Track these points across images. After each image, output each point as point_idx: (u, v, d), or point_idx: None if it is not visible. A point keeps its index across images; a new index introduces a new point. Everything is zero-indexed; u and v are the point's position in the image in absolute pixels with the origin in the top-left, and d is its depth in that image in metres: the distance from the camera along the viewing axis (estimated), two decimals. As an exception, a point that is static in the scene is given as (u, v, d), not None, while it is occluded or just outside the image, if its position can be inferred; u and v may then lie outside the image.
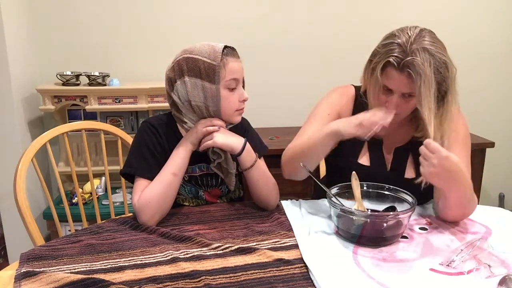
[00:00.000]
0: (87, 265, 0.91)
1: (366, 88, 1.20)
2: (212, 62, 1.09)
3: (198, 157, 1.18)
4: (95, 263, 0.91)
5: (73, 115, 2.27)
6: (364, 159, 1.25)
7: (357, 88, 1.30)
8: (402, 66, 1.05)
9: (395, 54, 1.06)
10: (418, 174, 1.20)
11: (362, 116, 1.09)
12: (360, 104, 1.26)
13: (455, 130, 1.18)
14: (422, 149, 1.00)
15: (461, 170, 1.01)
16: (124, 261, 0.93)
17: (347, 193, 1.12)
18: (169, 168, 1.12)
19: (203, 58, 1.09)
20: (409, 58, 1.03)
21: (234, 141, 1.14)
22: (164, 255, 0.95)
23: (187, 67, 1.10)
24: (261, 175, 1.19)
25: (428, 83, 1.03)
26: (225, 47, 1.12)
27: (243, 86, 1.18)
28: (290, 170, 1.23)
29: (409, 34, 1.07)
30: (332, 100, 1.29)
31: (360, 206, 1.08)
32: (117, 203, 2.13)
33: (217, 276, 0.87)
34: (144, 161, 1.14)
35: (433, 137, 1.03)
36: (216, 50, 1.10)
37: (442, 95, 1.09)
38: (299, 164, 1.16)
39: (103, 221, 1.14)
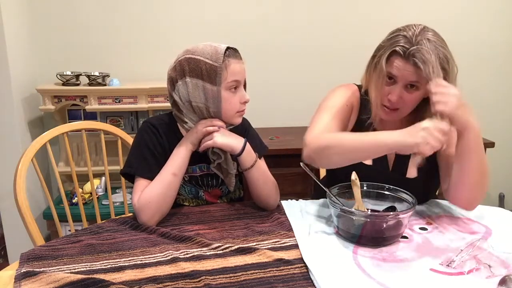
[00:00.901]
0: (87, 265, 0.91)
1: (368, 86, 1.20)
2: (213, 63, 1.09)
3: (199, 157, 1.18)
4: (95, 263, 0.91)
5: (73, 115, 2.27)
6: None
7: (359, 87, 1.30)
8: (408, 54, 1.06)
9: (401, 44, 1.07)
10: (420, 174, 1.20)
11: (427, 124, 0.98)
12: (363, 101, 1.26)
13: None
14: (434, 89, 1.01)
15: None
16: (124, 261, 0.93)
17: (347, 193, 1.12)
18: (169, 168, 1.12)
19: (205, 59, 1.09)
20: (415, 47, 1.05)
21: (234, 141, 1.14)
22: (164, 255, 0.95)
23: (189, 68, 1.10)
24: (261, 175, 1.19)
25: (436, 70, 1.04)
26: (228, 48, 1.12)
27: (245, 88, 1.18)
28: (319, 158, 1.12)
29: (414, 28, 1.09)
30: (343, 93, 1.27)
31: (360, 206, 1.08)
32: (117, 203, 2.13)
33: (217, 276, 0.87)
34: (144, 161, 1.14)
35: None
36: (218, 51, 1.10)
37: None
38: (334, 155, 1.09)
39: (103, 221, 1.14)
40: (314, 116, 1.22)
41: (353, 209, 1.02)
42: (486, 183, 1.10)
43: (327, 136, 1.13)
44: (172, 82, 1.14)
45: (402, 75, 1.09)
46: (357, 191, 1.09)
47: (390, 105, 1.14)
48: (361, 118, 1.26)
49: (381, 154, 1.07)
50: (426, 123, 0.98)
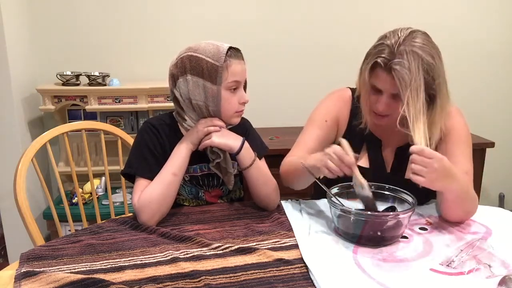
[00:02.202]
0: (87, 265, 0.91)
1: (360, 92, 1.21)
2: (215, 62, 1.09)
3: (200, 157, 1.18)
4: (95, 263, 0.91)
5: (73, 115, 2.27)
6: (363, 161, 1.25)
7: (353, 91, 1.30)
8: (389, 67, 1.05)
9: (383, 55, 1.06)
10: None
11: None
12: (356, 107, 1.27)
13: (455, 129, 1.18)
14: (416, 157, 0.97)
15: (455, 168, 1.04)
16: (124, 261, 0.93)
17: (347, 193, 1.12)
18: (169, 168, 1.12)
19: (207, 58, 1.09)
20: (396, 59, 1.03)
21: (232, 140, 1.15)
22: (164, 255, 0.95)
23: (190, 66, 1.10)
24: (261, 175, 1.19)
25: (414, 84, 1.02)
26: (230, 48, 1.12)
27: (245, 88, 1.18)
28: (286, 182, 1.27)
29: (399, 35, 1.06)
30: (329, 106, 1.30)
31: (358, 176, 1.04)
32: (117, 203, 2.13)
33: (217, 276, 0.87)
34: (144, 161, 1.14)
35: (419, 142, 1.01)
36: (220, 51, 1.10)
37: (431, 99, 1.08)
38: (293, 182, 1.24)
39: (103, 221, 1.14)
40: (300, 133, 1.31)
41: (353, 209, 1.02)
42: (472, 208, 1.13)
43: (286, 164, 1.25)
44: (174, 78, 1.14)
45: (385, 87, 1.08)
46: (350, 152, 1.05)
47: (378, 113, 1.14)
48: (352, 125, 1.27)
49: (311, 177, 1.12)
50: (329, 148, 1.04)
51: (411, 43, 1.05)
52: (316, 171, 1.08)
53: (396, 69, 1.03)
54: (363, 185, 1.05)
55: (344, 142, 1.06)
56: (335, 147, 1.04)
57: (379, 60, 1.06)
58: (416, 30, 1.09)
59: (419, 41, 1.06)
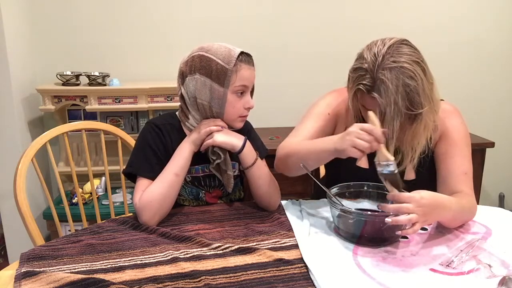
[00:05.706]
0: (87, 265, 0.91)
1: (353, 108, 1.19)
2: (225, 65, 1.09)
3: (202, 157, 1.18)
4: (95, 263, 0.92)
5: (73, 115, 2.27)
6: (362, 162, 1.24)
7: None
8: (372, 92, 1.03)
9: (364, 82, 1.04)
10: (417, 176, 1.20)
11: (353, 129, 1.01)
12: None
13: (453, 130, 1.18)
14: (394, 206, 0.94)
15: (439, 195, 1.01)
16: (124, 261, 0.93)
17: (347, 193, 1.12)
18: (171, 168, 1.12)
19: (217, 60, 1.10)
20: (376, 89, 1.02)
21: (234, 139, 1.15)
22: (164, 255, 0.95)
23: (200, 65, 1.11)
24: (262, 174, 1.19)
25: (394, 111, 1.01)
26: (242, 52, 1.12)
27: (252, 94, 1.19)
28: (284, 167, 1.21)
29: (376, 55, 1.03)
30: (331, 101, 1.29)
31: (384, 151, 1.00)
32: (117, 203, 2.13)
33: (217, 276, 0.87)
34: (146, 161, 1.15)
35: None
36: (232, 54, 1.10)
37: (416, 113, 1.05)
38: (294, 163, 1.15)
39: (103, 221, 1.14)
40: (298, 123, 1.25)
41: (353, 209, 1.02)
42: (470, 217, 1.12)
43: (290, 144, 1.18)
44: (183, 76, 1.15)
45: (374, 107, 1.06)
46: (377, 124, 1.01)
47: None
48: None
49: (327, 159, 1.10)
50: (351, 127, 1.00)
51: (390, 64, 1.01)
52: (339, 154, 1.03)
53: (379, 94, 1.02)
54: (389, 160, 0.98)
55: (372, 114, 1.01)
56: (360, 124, 0.99)
57: (361, 87, 1.05)
58: (393, 43, 1.04)
59: (399, 59, 1.01)
